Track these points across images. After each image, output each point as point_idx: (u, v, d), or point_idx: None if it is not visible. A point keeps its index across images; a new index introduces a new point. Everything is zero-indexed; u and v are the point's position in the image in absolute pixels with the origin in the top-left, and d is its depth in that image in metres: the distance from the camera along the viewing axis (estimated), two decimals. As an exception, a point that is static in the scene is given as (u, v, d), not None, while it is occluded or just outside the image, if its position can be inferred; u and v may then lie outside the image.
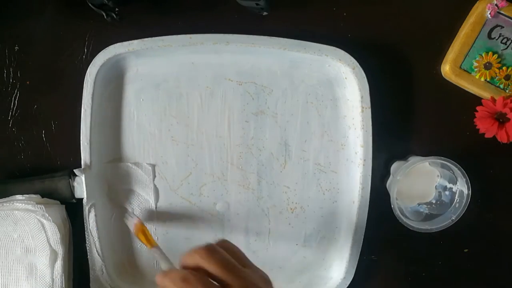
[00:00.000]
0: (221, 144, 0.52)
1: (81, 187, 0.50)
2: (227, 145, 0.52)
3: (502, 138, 0.50)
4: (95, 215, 0.50)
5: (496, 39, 0.50)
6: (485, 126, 0.50)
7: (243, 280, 0.35)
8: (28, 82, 0.52)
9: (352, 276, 0.51)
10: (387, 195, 0.50)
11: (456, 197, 0.51)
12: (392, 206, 0.49)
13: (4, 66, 0.52)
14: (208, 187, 0.52)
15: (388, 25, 0.52)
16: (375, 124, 0.50)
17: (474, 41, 0.50)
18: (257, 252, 0.53)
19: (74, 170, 0.50)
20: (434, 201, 0.53)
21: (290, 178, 0.52)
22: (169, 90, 0.51)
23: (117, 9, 0.49)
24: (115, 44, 0.49)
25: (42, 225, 0.50)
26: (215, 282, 0.35)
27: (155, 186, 0.52)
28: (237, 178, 0.52)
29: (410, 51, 0.52)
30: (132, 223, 0.49)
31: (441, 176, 0.53)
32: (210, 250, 0.37)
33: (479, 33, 0.50)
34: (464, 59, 0.50)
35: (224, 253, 0.37)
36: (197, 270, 0.36)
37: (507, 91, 0.51)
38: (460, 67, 0.51)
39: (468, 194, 0.49)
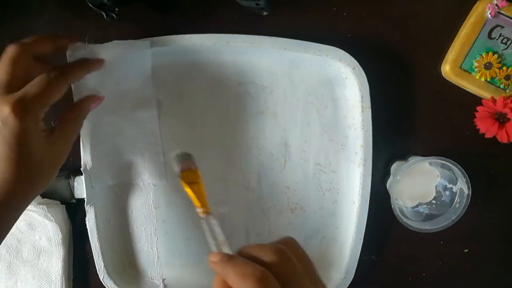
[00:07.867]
0: (221, 144, 0.52)
1: (81, 187, 0.50)
2: (227, 145, 0.52)
3: (502, 138, 0.50)
4: (95, 215, 0.50)
5: (496, 39, 0.50)
6: (485, 126, 0.50)
7: None
8: (28, 82, 0.52)
9: (352, 276, 0.51)
10: (387, 195, 0.50)
11: (456, 197, 0.51)
12: (392, 206, 0.49)
13: (4, 66, 0.52)
14: (208, 187, 0.52)
15: (388, 25, 0.52)
16: (375, 124, 0.50)
17: (474, 41, 0.50)
18: (257, 252, 0.53)
19: (74, 170, 0.50)
20: (434, 201, 0.53)
21: (290, 178, 0.52)
22: (169, 90, 0.51)
23: (117, 9, 0.49)
24: (115, 44, 0.49)
25: (44, 225, 0.50)
26: None
27: (154, 186, 0.52)
28: (237, 178, 0.52)
29: (410, 51, 0.52)
30: (177, 167, 0.41)
31: (441, 176, 0.53)
32: (284, 255, 0.32)
33: (479, 33, 0.50)
34: (464, 59, 0.50)
35: (297, 264, 0.33)
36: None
37: (507, 91, 0.51)
38: (460, 67, 0.51)
39: (468, 194, 0.49)
